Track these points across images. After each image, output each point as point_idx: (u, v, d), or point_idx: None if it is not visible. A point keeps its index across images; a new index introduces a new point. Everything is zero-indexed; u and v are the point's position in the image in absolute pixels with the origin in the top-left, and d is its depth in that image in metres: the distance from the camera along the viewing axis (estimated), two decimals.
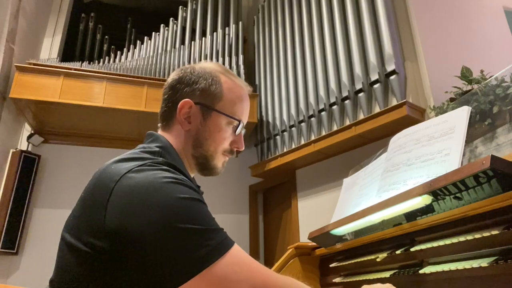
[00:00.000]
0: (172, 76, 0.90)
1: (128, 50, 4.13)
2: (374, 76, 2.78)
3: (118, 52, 4.11)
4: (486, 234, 0.72)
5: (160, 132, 0.88)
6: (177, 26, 4.38)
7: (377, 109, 2.80)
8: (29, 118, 3.71)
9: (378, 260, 1.03)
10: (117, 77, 3.69)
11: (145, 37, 4.24)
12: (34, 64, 3.50)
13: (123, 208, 0.61)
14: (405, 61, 2.78)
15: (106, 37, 4.60)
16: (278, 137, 3.77)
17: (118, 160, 0.71)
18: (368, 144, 3.07)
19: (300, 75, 3.62)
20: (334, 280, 1.29)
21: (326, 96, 3.25)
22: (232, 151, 0.90)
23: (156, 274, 0.58)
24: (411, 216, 0.96)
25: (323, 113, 3.25)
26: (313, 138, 3.35)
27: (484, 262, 0.71)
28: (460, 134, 0.91)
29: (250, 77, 4.37)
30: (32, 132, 3.80)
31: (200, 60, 4.14)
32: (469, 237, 0.75)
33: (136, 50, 4.12)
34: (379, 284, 0.77)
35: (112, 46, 4.51)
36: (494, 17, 3.60)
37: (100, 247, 0.61)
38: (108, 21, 4.79)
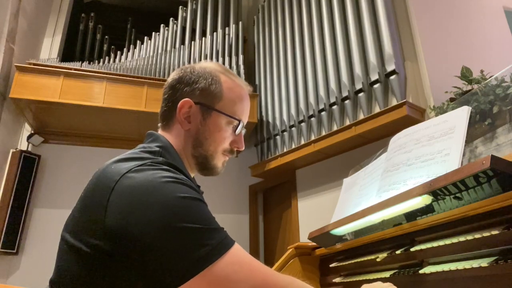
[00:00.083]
0: (172, 76, 0.90)
1: (128, 50, 4.13)
2: (374, 76, 2.78)
3: (118, 52, 4.11)
4: (486, 234, 0.72)
5: (160, 132, 0.88)
6: (177, 26, 4.38)
7: (377, 109, 2.80)
8: (29, 118, 3.71)
9: (378, 260, 1.03)
10: (117, 77, 3.69)
11: (145, 37, 4.24)
12: (34, 64, 3.50)
13: (123, 208, 0.61)
14: (405, 61, 2.78)
15: (106, 37, 4.60)
16: (278, 137, 3.77)
17: (118, 160, 0.71)
18: (368, 144, 3.07)
19: (300, 75, 3.62)
20: (334, 280, 1.29)
21: (326, 96, 3.25)
22: (232, 151, 0.89)
23: (156, 274, 0.58)
24: (411, 216, 0.96)
25: (323, 113, 3.25)
26: (313, 138, 3.35)
27: (484, 262, 0.71)
28: (460, 134, 0.91)
29: (250, 77, 4.37)
30: (32, 132, 3.80)
31: (200, 60, 4.14)
32: (469, 237, 0.75)
33: (136, 50, 4.12)
34: (379, 283, 0.77)
35: (112, 46, 4.52)
36: (494, 17, 3.60)
37: (100, 247, 0.61)
38: (108, 21, 4.79)
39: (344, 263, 1.24)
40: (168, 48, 4.17)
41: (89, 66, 3.75)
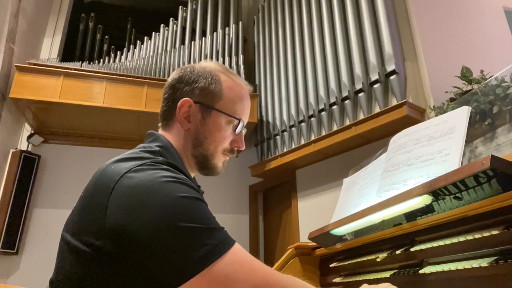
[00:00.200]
0: (172, 75, 0.90)
1: (128, 50, 4.13)
2: (374, 76, 2.78)
3: (118, 52, 4.11)
4: (486, 234, 0.72)
5: (160, 131, 0.88)
6: (177, 26, 4.38)
7: (377, 109, 2.80)
8: (29, 118, 3.71)
9: (378, 260, 1.03)
10: (117, 77, 3.69)
11: (145, 37, 4.24)
12: (34, 64, 3.50)
13: (123, 208, 0.61)
14: (405, 61, 2.78)
15: (106, 37, 4.60)
16: (278, 137, 3.77)
17: (118, 159, 0.71)
18: (368, 144, 3.07)
19: (300, 75, 3.62)
20: (334, 280, 1.29)
21: (326, 96, 3.25)
22: (232, 150, 0.89)
23: (157, 273, 0.58)
24: (411, 216, 0.96)
25: (323, 113, 3.25)
26: (313, 138, 3.35)
27: (484, 262, 0.71)
28: (460, 134, 0.91)
29: (250, 77, 4.37)
30: (32, 132, 3.80)
31: (200, 60, 4.14)
32: (469, 237, 0.75)
33: (136, 50, 4.12)
34: (381, 284, 0.76)
35: (112, 46, 4.52)
36: (494, 17, 3.60)
37: (100, 247, 0.61)
38: (108, 21, 4.79)
39: (344, 263, 1.24)
40: (168, 48, 4.17)
41: (89, 66, 3.75)
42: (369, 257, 1.08)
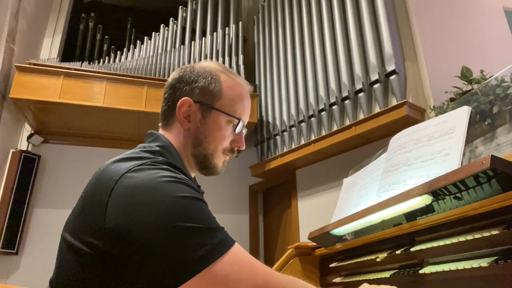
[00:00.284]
0: (173, 75, 0.91)
1: (128, 50, 4.13)
2: (374, 76, 2.78)
3: (118, 52, 4.11)
4: (486, 234, 0.72)
5: (160, 131, 0.88)
6: (177, 26, 4.38)
7: (377, 109, 2.80)
8: (29, 118, 3.71)
9: (378, 260, 1.03)
10: (117, 77, 3.69)
11: (145, 37, 4.24)
12: (34, 64, 3.50)
13: (123, 208, 0.61)
14: (405, 61, 2.78)
15: (106, 37, 4.60)
16: (278, 137, 3.77)
17: (118, 159, 0.71)
18: (368, 144, 3.07)
19: (300, 75, 3.62)
20: (334, 280, 1.29)
21: (326, 96, 3.25)
22: (232, 150, 0.89)
23: (156, 273, 0.58)
24: (411, 216, 0.96)
25: (323, 113, 3.25)
26: (313, 138, 3.35)
27: (484, 262, 0.71)
28: (460, 134, 0.91)
29: (250, 77, 4.37)
30: (32, 132, 3.80)
31: (200, 60, 4.14)
32: (469, 237, 0.75)
33: (136, 50, 4.12)
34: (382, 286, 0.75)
35: (112, 46, 4.52)
36: (494, 17, 3.60)
37: (100, 247, 0.61)
38: (108, 21, 4.79)
39: (344, 263, 1.24)
40: (168, 48, 4.17)
41: (89, 66, 3.75)
42: (369, 257, 1.08)
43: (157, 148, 0.77)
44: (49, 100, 3.39)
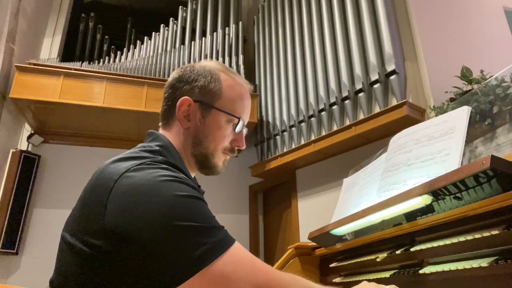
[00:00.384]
0: (173, 75, 0.90)
1: (128, 50, 4.13)
2: (374, 76, 2.78)
3: (118, 52, 4.11)
4: (486, 234, 0.72)
5: (160, 131, 0.87)
6: (177, 26, 4.38)
7: (377, 109, 2.80)
8: (29, 118, 3.71)
9: (378, 260, 1.03)
10: (117, 77, 3.69)
11: (145, 37, 4.24)
12: (34, 64, 3.50)
13: (122, 208, 0.61)
14: (405, 61, 2.78)
15: (106, 37, 4.60)
16: (278, 137, 3.77)
17: (117, 159, 0.71)
18: (368, 144, 3.07)
19: (300, 75, 3.62)
20: (334, 280, 1.29)
21: (326, 96, 3.25)
22: (232, 149, 0.89)
23: (156, 273, 0.58)
24: (411, 216, 0.96)
25: (323, 113, 3.25)
26: (313, 138, 3.35)
27: (484, 262, 0.71)
28: (460, 134, 0.91)
29: (250, 77, 4.38)
30: (32, 132, 3.80)
31: (200, 60, 4.14)
32: (469, 237, 0.75)
33: (136, 50, 4.12)
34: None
35: (112, 46, 4.52)
36: (494, 17, 3.60)
37: (100, 247, 0.61)
38: (108, 21, 4.79)
39: (344, 263, 1.24)
40: (168, 48, 4.17)
41: (89, 66, 3.75)
42: (369, 257, 1.08)
43: (157, 148, 0.77)
44: (49, 100, 3.39)
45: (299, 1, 3.88)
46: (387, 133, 2.72)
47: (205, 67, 0.88)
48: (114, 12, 5.05)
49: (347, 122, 3.03)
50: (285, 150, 3.67)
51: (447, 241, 0.80)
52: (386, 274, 0.99)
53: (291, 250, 1.46)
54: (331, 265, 1.31)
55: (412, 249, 0.91)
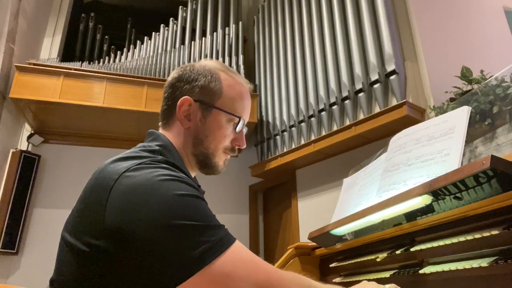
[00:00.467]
0: (172, 74, 0.90)
1: (128, 50, 4.13)
2: (374, 76, 2.78)
3: (118, 52, 4.11)
4: (486, 234, 0.72)
5: (160, 130, 0.87)
6: (177, 26, 4.38)
7: (377, 109, 2.80)
8: (29, 118, 3.71)
9: (378, 260, 1.03)
10: (117, 77, 3.69)
11: (145, 37, 4.24)
12: (34, 64, 3.50)
13: (122, 207, 0.61)
14: (405, 61, 2.78)
15: (106, 37, 4.60)
16: (278, 137, 3.77)
17: (117, 159, 0.71)
18: (368, 144, 3.08)
19: (300, 75, 3.62)
20: (334, 280, 1.29)
21: (326, 96, 3.25)
22: (233, 149, 0.89)
23: (156, 272, 0.58)
24: (411, 216, 0.96)
25: (323, 113, 3.25)
26: (313, 138, 3.35)
27: (484, 262, 0.71)
28: (460, 134, 0.91)
29: (250, 77, 4.37)
30: (32, 132, 3.80)
31: (200, 60, 4.13)
32: (469, 237, 0.75)
33: (136, 50, 4.12)
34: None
35: (112, 46, 4.52)
36: (494, 17, 3.60)
37: (100, 247, 0.61)
38: (108, 21, 4.79)
39: (344, 263, 1.24)
40: (168, 48, 4.17)
41: (89, 66, 3.75)
42: (369, 257, 1.08)
43: (157, 147, 0.77)
44: (49, 100, 3.39)
45: (299, 1, 3.88)
46: (387, 133, 2.72)
47: (205, 66, 0.88)
48: (114, 12, 5.04)
49: (347, 122, 3.03)
50: (285, 150, 3.67)
51: (447, 241, 0.80)
52: (386, 274, 0.99)
53: (291, 250, 1.46)
54: (331, 265, 1.31)
55: (412, 249, 0.91)
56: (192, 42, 4.28)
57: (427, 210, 0.90)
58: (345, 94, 3.03)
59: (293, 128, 3.59)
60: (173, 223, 0.59)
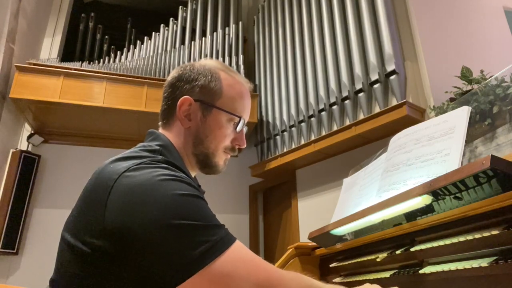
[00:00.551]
0: (172, 74, 0.90)
1: (128, 50, 4.13)
2: (374, 76, 2.78)
3: (118, 52, 4.11)
4: (486, 234, 0.72)
5: (160, 130, 0.87)
6: (177, 26, 4.38)
7: (377, 109, 2.80)
8: (29, 118, 3.71)
9: (378, 260, 1.03)
10: (117, 77, 3.69)
11: (145, 37, 4.24)
12: (34, 64, 3.50)
13: (122, 207, 0.61)
14: (405, 61, 2.78)
15: (106, 37, 4.60)
16: (278, 137, 3.77)
17: (116, 159, 0.71)
18: (368, 144, 3.07)
19: (300, 75, 3.62)
20: (334, 280, 1.29)
21: (326, 96, 3.25)
22: (233, 148, 0.88)
23: (156, 272, 0.58)
24: (411, 216, 0.96)
25: (323, 113, 3.25)
26: (313, 138, 3.35)
27: (484, 262, 0.71)
28: (460, 134, 0.91)
29: (250, 77, 4.37)
30: (32, 132, 3.80)
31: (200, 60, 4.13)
32: (469, 237, 0.75)
33: (136, 50, 4.12)
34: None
35: (112, 46, 4.52)
36: (494, 17, 3.60)
37: (100, 247, 0.61)
38: (108, 21, 4.79)
39: (344, 263, 1.24)
40: (168, 48, 4.17)
41: (89, 66, 3.75)
42: (369, 257, 1.08)
43: (157, 147, 0.77)
44: (49, 100, 3.39)
45: (299, 1, 3.88)
46: (387, 133, 2.72)
47: (205, 66, 0.88)
48: (114, 12, 5.04)
49: (347, 122, 3.03)
50: (285, 150, 3.67)
51: (447, 241, 0.80)
52: (386, 274, 0.99)
53: (291, 250, 1.46)
54: (331, 265, 1.31)
55: (412, 249, 0.91)
56: (192, 42, 4.28)
57: (427, 210, 0.90)
58: (345, 94, 3.03)
59: (293, 128, 3.59)
60: (173, 223, 0.59)
